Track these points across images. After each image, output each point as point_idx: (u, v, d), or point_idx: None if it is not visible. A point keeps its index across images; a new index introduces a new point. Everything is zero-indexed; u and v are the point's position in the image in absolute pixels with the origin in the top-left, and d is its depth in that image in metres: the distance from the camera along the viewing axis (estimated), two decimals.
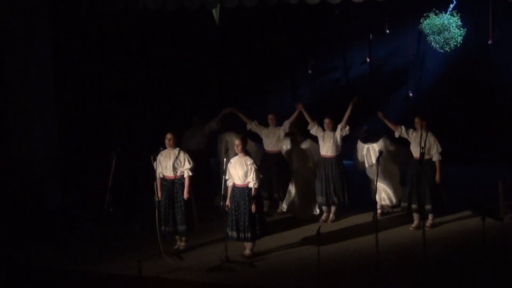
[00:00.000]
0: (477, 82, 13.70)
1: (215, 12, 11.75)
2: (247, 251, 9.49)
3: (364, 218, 10.81)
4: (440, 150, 10.04)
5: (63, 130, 12.13)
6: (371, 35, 14.19)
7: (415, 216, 10.34)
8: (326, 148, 10.62)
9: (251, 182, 9.24)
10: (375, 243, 8.90)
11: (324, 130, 10.73)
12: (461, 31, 12.49)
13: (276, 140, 11.17)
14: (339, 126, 10.55)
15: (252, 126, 11.37)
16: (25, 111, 11.60)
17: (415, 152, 10.16)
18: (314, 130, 10.80)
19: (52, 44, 11.89)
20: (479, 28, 13.21)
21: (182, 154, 9.62)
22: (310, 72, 14.69)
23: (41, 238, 10.47)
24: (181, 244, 9.86)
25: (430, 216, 10.36)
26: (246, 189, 9.28)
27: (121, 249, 9.66)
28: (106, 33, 12.84)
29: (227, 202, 9.41)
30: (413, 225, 10.34)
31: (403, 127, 10.42)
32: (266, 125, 11.31)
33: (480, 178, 12.81)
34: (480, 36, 13.26)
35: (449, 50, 12.69)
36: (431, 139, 10.04)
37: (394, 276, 8.74)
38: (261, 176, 9.35)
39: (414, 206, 10.23)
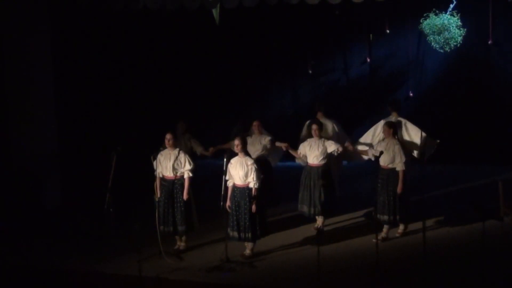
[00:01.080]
0: (477, 82, 13.70)
1: (215, 12, 11.74)
2: (248, 251, 9.49)
3: (364, 217, 10.80)
4: (404, 160, 9.64)
5: (63, 130, 12.13)
6: (371, 35, 14.19)
7: (385, 227, 10.01)
8: (313, 157, 10.15)
9: (252, 182, 9.24)
10: (375, 243, 8.91)
11: (303, 142, 10.42)
12: (461, 31, 12.49)
13: (262, 149, 10.92)
14: (337, 147, 10.14)
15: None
16: (25, 111, 11.60)
17: (382, 160, 9.82)
18: (302, 155, 10.37)
19: (52, 44, 11.89)
20: (479, 28, 13.20)
21: (182, 155, 9.61)
22: (310, 72, 14.68)
23: (41, 238, 10.47)
24: (181, 244, 9.86)
25: (385, 228, 10.00)
26: (246, 189, 9.28)
27: (121, 249, 9.66)
28: (106, 33, 12.85)
29: (228, 203, 9.42)
30: (380, 235, 9.91)
31: (372, 150, 10.09)
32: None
33: (480, 178, 12.80)
34: (480, 36, 13.26)
35: (449, 50, 12.69)
36: (396, 148, 9.69)
37: (394, 276, 8.74)
38: (261, 176, 9.35)
39: (380, 216, 9.88)
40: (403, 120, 10.53)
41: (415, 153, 10.39)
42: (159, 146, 9.69)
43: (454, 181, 12.72)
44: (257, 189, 9.25)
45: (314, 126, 10.22)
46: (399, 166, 9.69)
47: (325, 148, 10.14)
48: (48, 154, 11.78)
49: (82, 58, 12.52)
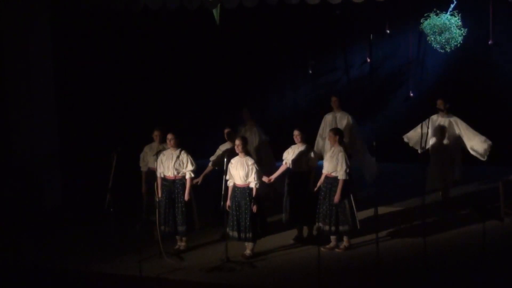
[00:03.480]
0: (477, 82, 13.69)
1: (216, 12, 11.74)
2: (248, 251, 9.49)
3: (364, 217, 10.78)
4: (345, 168, 9.23)
5: (63, 130, 12.13)
6: (371, 35, 14.17)
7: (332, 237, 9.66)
8: (295, 163, 9.81)
9: (252, 182, 9.23)
10: (375, 243, 8.91)
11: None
12: (462, 31, 12.49)
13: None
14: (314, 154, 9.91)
15: (212, 163, 10.48)
16: (25, 111, 11.60)
17: (325, 168, 9.50)
18: (288, 163, 9.92)
19: (52, 44, 11.89)
20: (480, 28, 13.19)
21: (185, 155, 9.61)
22: (310, 72, 14.67)
23: (41, 238, 10.47)
24: (181, 244, 9.86)
25: (333, 239, 9.60)
26: (247, 189, 9.28)
27: (122, 249, 9.66)
28: (107, 33, 12.84)
29: (228, 202, 9.41)
30: (328, 245, 9.62)
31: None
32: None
33: (481, 178, 12.78)
34: (481, 36, 13.25)
35: (449, 50, 12.68)
36: (340, 155, 9.31)
37: (394, 276, 8.74)
38: (262, 176, 9.34)
39: (324, 226, 9.52)
40: (454, 119, 10.91)
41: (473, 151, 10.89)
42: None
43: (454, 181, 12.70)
44: (257, 189, 9.24)
45: (295, 132, 9.81)
46: (340, 175, 9.28)
47: (305, 154, 9.79)
48: (48, 154, 11.77)
49: (83, 58, 12.51)
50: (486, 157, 10.88)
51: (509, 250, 9.23)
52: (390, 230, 10.19)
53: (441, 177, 11.08)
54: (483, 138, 10.88)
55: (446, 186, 11.21)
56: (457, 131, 10.93)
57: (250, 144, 11.03)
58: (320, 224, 9.54)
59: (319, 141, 11.58)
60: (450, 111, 11.04)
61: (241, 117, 11.67)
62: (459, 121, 10.94)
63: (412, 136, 11.24)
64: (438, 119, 10.99)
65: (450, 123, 10.95)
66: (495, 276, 8.51)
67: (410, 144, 11.33)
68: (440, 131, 10.94)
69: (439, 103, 10.97)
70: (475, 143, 10.87)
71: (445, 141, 10.98)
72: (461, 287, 8.45)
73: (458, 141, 10.93)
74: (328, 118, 11.61)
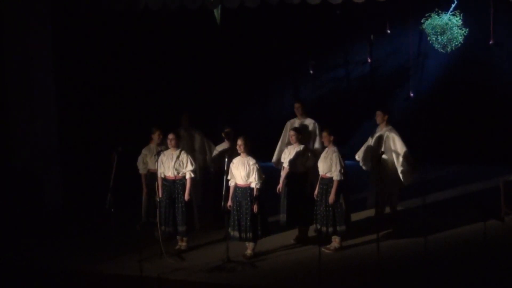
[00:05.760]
0: (478, 82, 13.70)
1: (217, 12, 11.74)
2: (249, 251, 9.49)
3: (365, 218, 10.80)
4: (339, 169, 9.22)
5: (64, 130, 12.13)
6: (372, 35, 14.18)
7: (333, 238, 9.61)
8: (291, 163, 9.77)
9: (253, 182, 9.23)
10: (375, 243, 8.91)
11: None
12: (463, 31, 12.49)
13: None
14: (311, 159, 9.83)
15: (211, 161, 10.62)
16: (26, 111, 11.59)
17: (321, 169, 9.47)
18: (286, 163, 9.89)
19: (53, 44, 11.88)
20: (481, 28, 13.19)
21: (184, 155, 9.62)
22: (311, 72, 14.67)
23: (41, 238, 10.46)
24: (182, 244, 9.86)
25: (337, 239, 9.58)
26: (248, 189, 9.28)
27: (122, 249, 9.66)
28: (107, 33, 12.84)
29: (229, 202, 9.41)
30: (329, 245, 9.60)
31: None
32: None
33: (481, 178, 12.80)
34: (481, 36, 13.25)
35: (449, 50, 12.69)
36: (333, 156, 9.30)
37: (394, 276, 8.74)
38: (263, 176, 9.33)
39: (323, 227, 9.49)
40: (392, 134, 10.23)
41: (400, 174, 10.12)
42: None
43: (455, 182, 12.72)
44: (258, 189, 9.24)
45: (291, 132, 9.86)
46: (335, 175, 9.28)
47: (300, 154, 9.75)
48: (49, 154, 11.77)
49: (83, 58, 12.51)
50: (407, 183, 10.23)
51: (509, 250, 9.23)
52: (390, 230, 10.19)
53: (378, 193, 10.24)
54: (410, 164, 10.17)
55: (389, 200, 10.56)
56: (392, 147, 10.22)
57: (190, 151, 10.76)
58: (319, 226, 9.53)
59: (281, 148, 10.61)
60: (389, 124, 10.44)
61: (180, 122, 11.17)
62: (396, 137, 10.20)
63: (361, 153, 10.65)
64: (376, 132, 10.48)
65: (387, 137, 10.32)
66: (495, 275, 8.51)
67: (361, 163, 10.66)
68: (377, 144, 10.38)
69: (378, 115, 10.42)
70: (401, 165, 10.16)
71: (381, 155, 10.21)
72: (461, 286, 8.45)
73: (392, 156, 10.22)
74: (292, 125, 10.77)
